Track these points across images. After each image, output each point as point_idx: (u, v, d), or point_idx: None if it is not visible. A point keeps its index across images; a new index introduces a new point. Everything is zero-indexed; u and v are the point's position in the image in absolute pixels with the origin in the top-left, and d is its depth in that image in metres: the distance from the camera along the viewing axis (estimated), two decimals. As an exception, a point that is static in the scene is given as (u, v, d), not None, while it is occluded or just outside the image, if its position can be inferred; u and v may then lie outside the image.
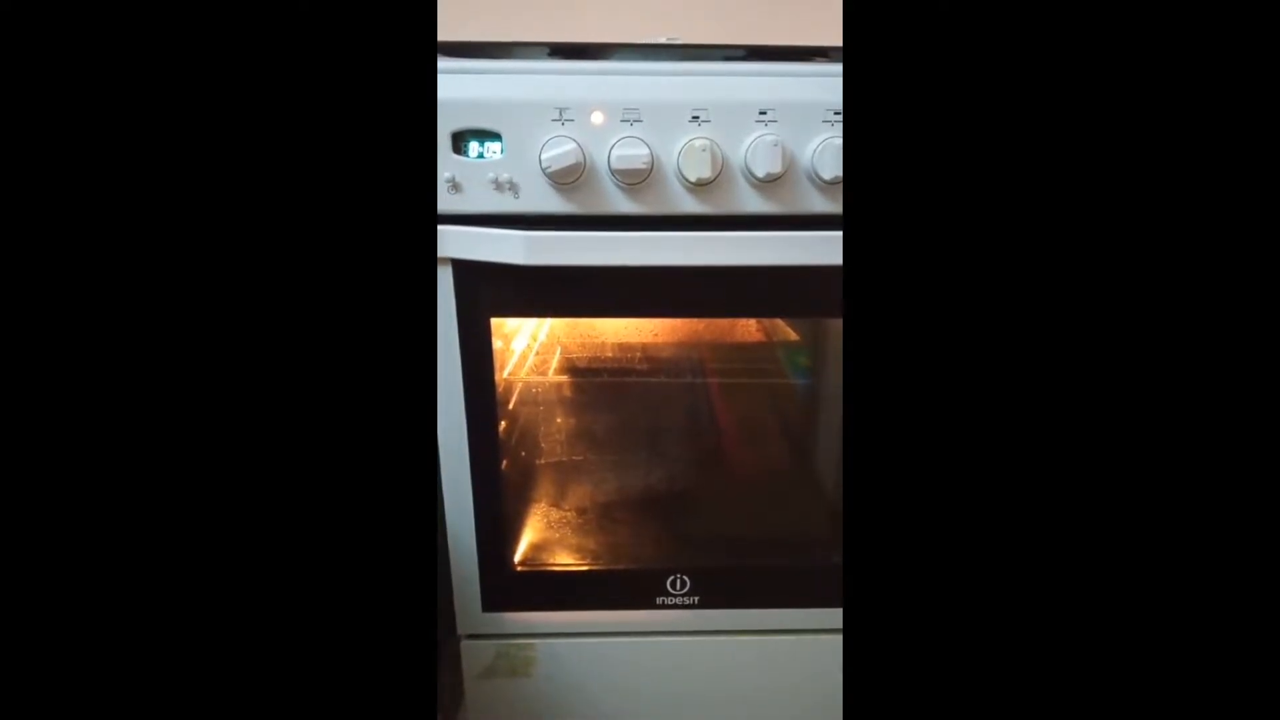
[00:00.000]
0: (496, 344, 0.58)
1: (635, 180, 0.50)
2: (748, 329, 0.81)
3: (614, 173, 0.50)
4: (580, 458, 0.77)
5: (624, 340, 0.78)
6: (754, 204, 0.52)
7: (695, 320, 0.76)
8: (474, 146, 0.50)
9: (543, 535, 0.72)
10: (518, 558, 0.68)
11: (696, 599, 0.65)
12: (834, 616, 0.67)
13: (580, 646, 0.66)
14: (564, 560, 0.69)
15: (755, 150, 0.49)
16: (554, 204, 0.51)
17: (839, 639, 0.67)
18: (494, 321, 0.57)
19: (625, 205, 0.51)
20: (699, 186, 0.50)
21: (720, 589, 0.65)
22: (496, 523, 0.62)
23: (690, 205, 0.51)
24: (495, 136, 0.50)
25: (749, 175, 0.51)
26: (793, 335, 0.79)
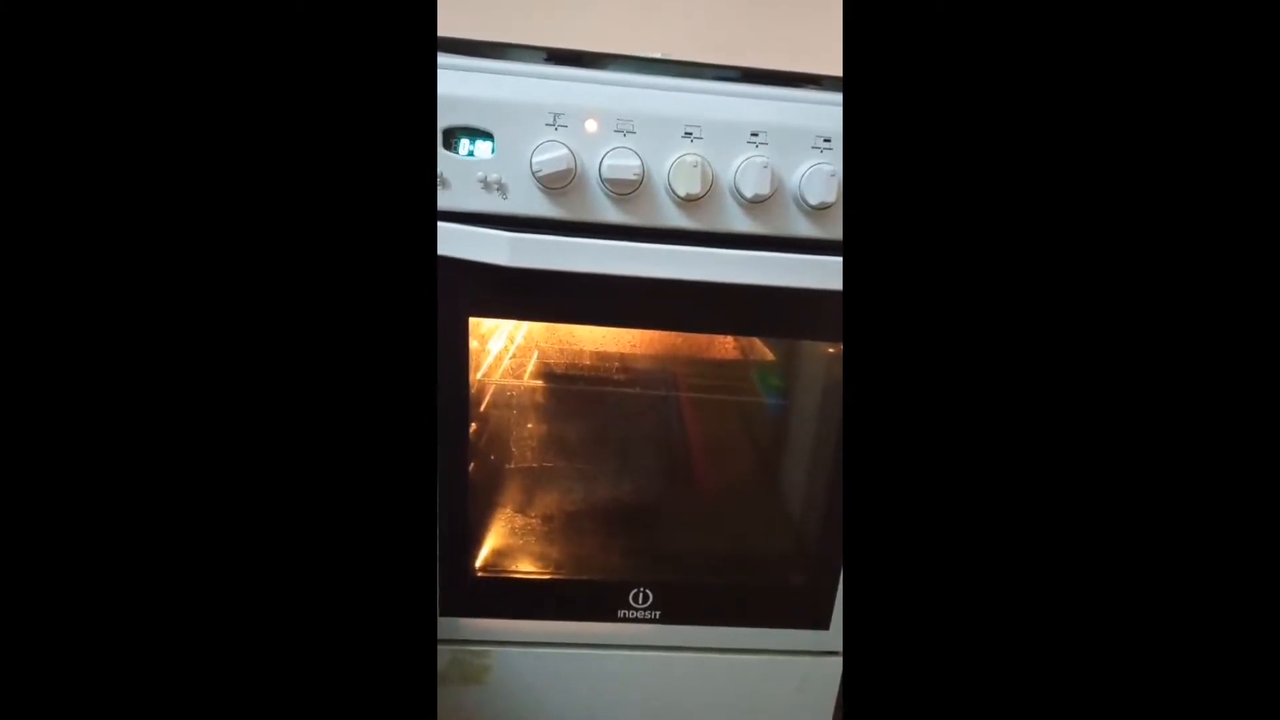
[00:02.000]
0: (472, 344, 0.57)
1: (625, 190, 0.50)
2: (724, 346, 0.81)
3: (604, 181, 0.50)
4: (550, 465, 0.76)
5: (602, 349, 0.78)
6: (740, 223, 0.52)
7: (673, 334, 0.76)
8: (464, 144, 0.50)
9: (506, 541, 0.71)
10: (478, 563, 0.67)
11: (659, 614, 0.65)
12: (795, 638, 0.67)
13: (538, 657, 0.65)
14: (526, 568, 0.68)
15: (745, 170, 0.50)
16: (541, 208, 0.51)
17: (800, 660, 0.68)
18: (472, 321, 0.56)
19: (613, 215, 0.51)
20: (687, 201, 0.51)
21: (683, 604, 0.65)
22: (459, 526, 0.61)
23: (677, 219, 0.52)
24: (487, 136, 0.50)
25: (737, 195, 0.51)
26: (769, 355, 0.80)
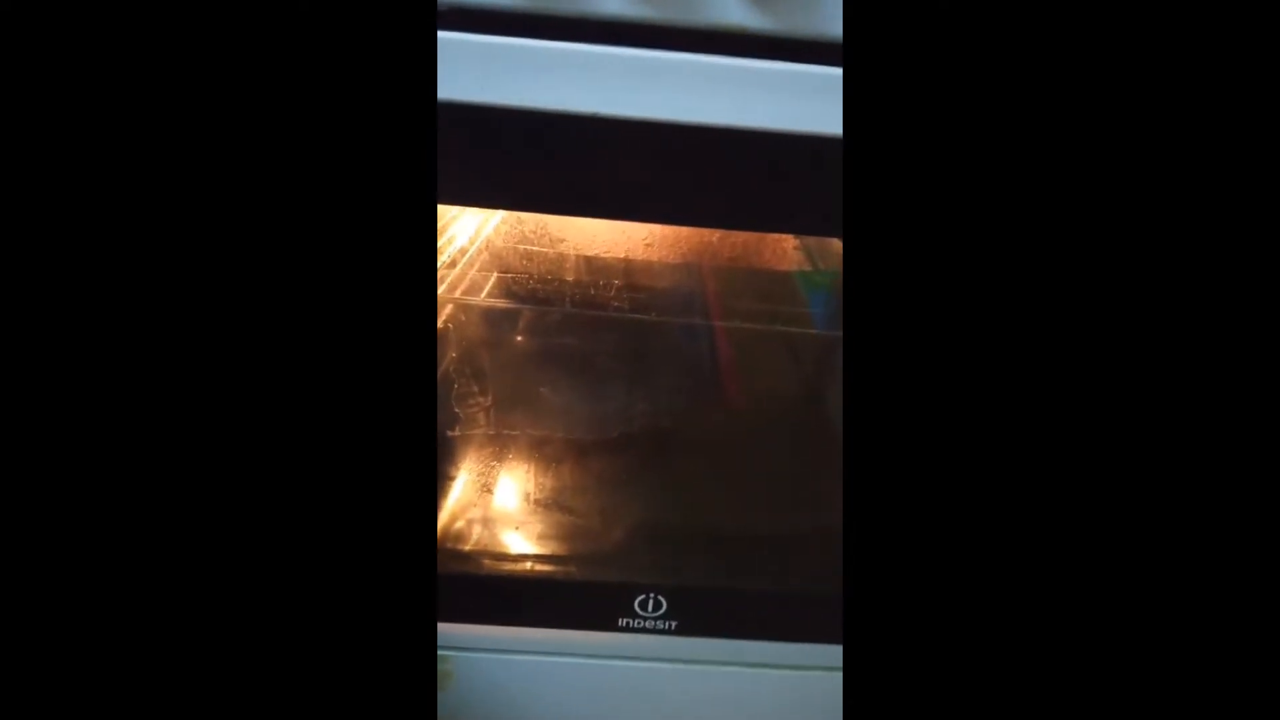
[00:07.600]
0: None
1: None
2: (781, 250, 0.65)
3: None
4: (527, 421, 0.66)
5: (595, 253, 0.63)
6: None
7: (704, 231, 0.61)
8: None
9: (467, 523, 0.61)
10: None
11: (674, 624, 0.55)
12: (838, 654, 0.56)
13: (509, 665, 0.58)
14: (497, 559, 0.59)
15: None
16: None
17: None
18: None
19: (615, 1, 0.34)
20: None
21: (705, 614, 0.55)
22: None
23: (734, 10, 0.34)
24: None
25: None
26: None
